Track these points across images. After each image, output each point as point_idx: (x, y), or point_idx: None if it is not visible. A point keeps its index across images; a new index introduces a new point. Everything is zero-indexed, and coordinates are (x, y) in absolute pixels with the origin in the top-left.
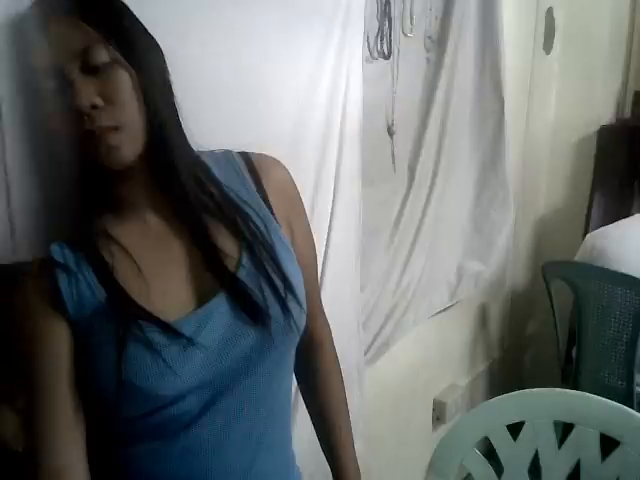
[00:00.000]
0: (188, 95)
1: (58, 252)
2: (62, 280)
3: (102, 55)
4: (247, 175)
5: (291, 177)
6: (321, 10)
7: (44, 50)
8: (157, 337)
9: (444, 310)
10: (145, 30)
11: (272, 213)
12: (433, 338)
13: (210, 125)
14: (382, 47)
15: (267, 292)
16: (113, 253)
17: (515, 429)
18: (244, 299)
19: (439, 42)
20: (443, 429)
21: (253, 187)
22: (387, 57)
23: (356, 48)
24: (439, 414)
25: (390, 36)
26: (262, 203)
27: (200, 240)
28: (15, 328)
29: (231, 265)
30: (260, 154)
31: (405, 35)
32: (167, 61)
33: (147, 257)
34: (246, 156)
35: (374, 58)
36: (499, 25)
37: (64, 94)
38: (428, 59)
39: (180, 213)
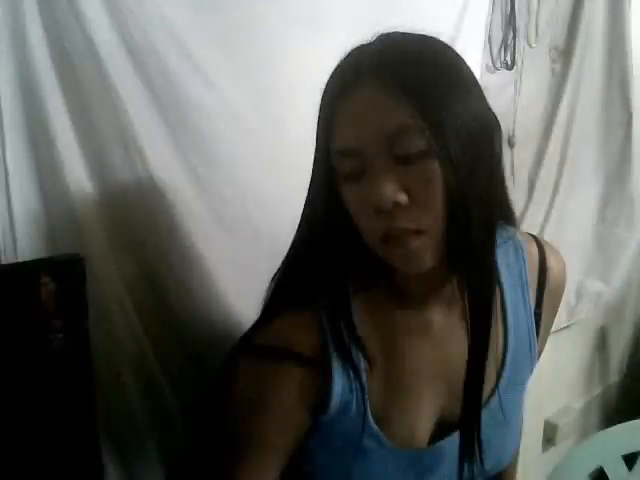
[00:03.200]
0: None
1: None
2: (337, 381)
3: (417, 142)
4: (535, 276)
5: None
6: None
7: (346, 125)
8: (390, 460)
9: (560, 329)
10: (479, 111)
11: (537, 331)
12: (547, 357)
13: None
14: (505, 57)
15: (495, 442)
16: (370, 354)
17: (631, 459)
18: (472, 446)
19: (565, 53)
20: (553, 452)
21: (533, 298)
22: (510, 68)
23: (474, 56)
24: (550, 436)
25: (514, 47)
26: (533, 321)
27: (475, 360)
28: (253, 387)
29: (484, 397)
30: (553, 250)
31: (530, 46)
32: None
33: (401, 360)
34: (542, 254)
35: (497, 68)
36: (628, 34)
37: (356, 182)
38: (553, 70)
39: (473, 323)
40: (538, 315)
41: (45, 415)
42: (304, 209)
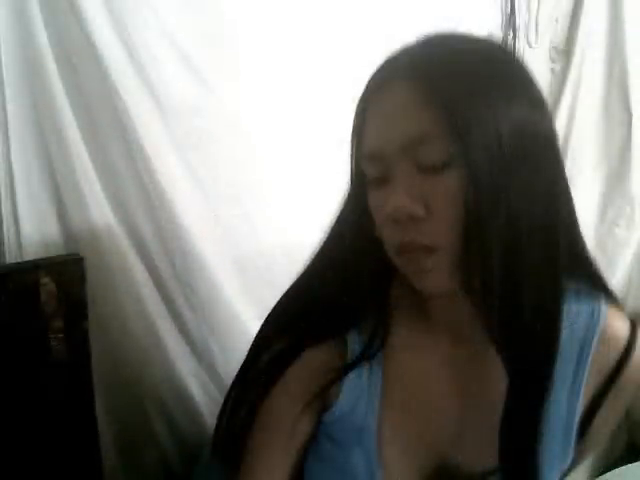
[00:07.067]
0: None
1: (355, 347)
2: (348, 385)
3: (441, 152)
4: (612, 358)
5: None
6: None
7: (374, 125)
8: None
9: None
10: (526, 126)
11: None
12: None
13: None
14: None
15: None
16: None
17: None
18: None
19: (565, 53)
20: None
21: (593, 381)
22: None
23: None
24: None
25: (514, 47)
26: (577, 403)
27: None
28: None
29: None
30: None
31: (530, 46)
32: None
33: (424, 379)
34: (634, 336)
35: None
36: (627, 33)
37: (379, 188)
38: (553, 70)
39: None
40: (595, 404)
41: (45, 414)
42: (336, 211)
